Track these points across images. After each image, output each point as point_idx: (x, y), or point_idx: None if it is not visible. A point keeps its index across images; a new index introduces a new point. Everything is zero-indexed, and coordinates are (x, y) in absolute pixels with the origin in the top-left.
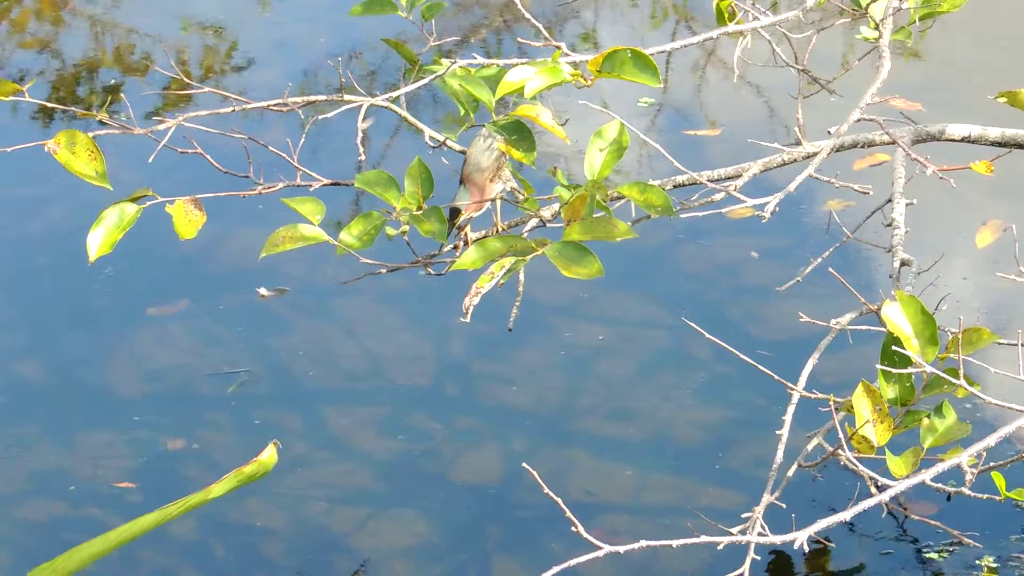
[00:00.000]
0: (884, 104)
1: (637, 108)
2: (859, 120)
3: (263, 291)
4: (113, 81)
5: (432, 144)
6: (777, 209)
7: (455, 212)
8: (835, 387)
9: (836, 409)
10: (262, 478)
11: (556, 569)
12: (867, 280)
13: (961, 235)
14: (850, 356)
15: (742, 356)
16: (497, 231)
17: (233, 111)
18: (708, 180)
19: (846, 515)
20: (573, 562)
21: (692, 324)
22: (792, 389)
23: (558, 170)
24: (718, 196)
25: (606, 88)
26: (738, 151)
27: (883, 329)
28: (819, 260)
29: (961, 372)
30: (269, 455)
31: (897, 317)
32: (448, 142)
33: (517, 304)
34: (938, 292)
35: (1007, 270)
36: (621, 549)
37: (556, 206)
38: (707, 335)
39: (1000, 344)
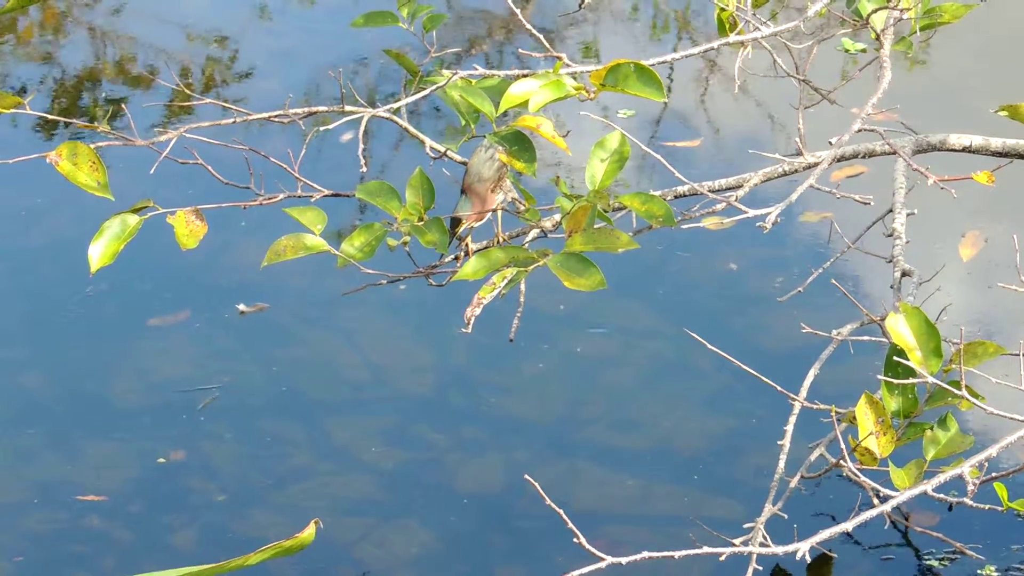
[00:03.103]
0: (863, 115)
1: (617, 120)
2: (860, 130)
3: (242, 307)
4: (105, 95)
5: (433, 155)
6: (779, 220)
7: (456, 222)
8: (835, 397)
9: (838, 420)
10: (299, 550)
11: None
12: (853, 291)
13: (937, 246)
14: (849, 366)
15: (744, 367)
16: (498, 241)
17: (234, 122)
18: (709, 191)
19: (848, 526)
20: (575, 573)
21: (694, 335)
22: (794, 400)
23: (561, 179)
24: (719, 207)
25: (577, 100)
26: (722, 161)
27: (880, 340)
28: (820, 271)
29: (963, 384)
30: (308, 532)
31: (901, 328)
32: (449, 153)
33: (518, 314)
34: (924, 302)
35: (983, 280)
36: (623, 560)
37: (557, 216)
38: (709, 346)
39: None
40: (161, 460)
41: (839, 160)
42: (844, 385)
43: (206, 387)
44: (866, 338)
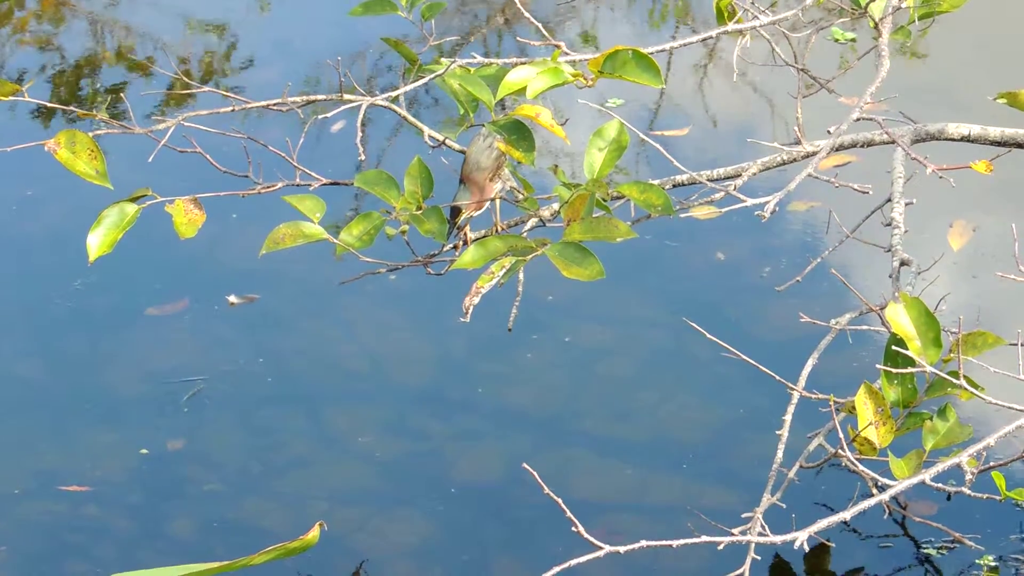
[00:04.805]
0: (860, 104)
1: (606, 108)
2: (858, 119)
3: (232, 298)
4: (99, 85)
5: (432, 143)
6: (776, 209)
7: (455, 211)
8: (832, 387)
9: (836, 410)
10: (303, 551)
11: (556, 569)
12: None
13: (925, 236)
14: (845, 356)
15: (743, 356)
16: (497, 230)
17: (233, 111)
18: (707, 180)
19: (846, 515)
20: (573, 562)
21: (693, 324)
22: (792, 389)
23: (559, 168)
24: (718, 196)
25: (573, 88)
26: (710, 150)
27: (878, 329)
28: (819, 260)
29: (961, 374)
30: (313, 534)
31: (901, 318)
32: (448, 141)
33: (516, 304)
34: (920, 293)
35: (969, 270)
36: (621, 549)
37: (555, 205)
38: (708, 335)
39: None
40: (144, 451)
41: (837, 149)
42: (840, 375)
43: (196, 378)
44: (864, 327)
